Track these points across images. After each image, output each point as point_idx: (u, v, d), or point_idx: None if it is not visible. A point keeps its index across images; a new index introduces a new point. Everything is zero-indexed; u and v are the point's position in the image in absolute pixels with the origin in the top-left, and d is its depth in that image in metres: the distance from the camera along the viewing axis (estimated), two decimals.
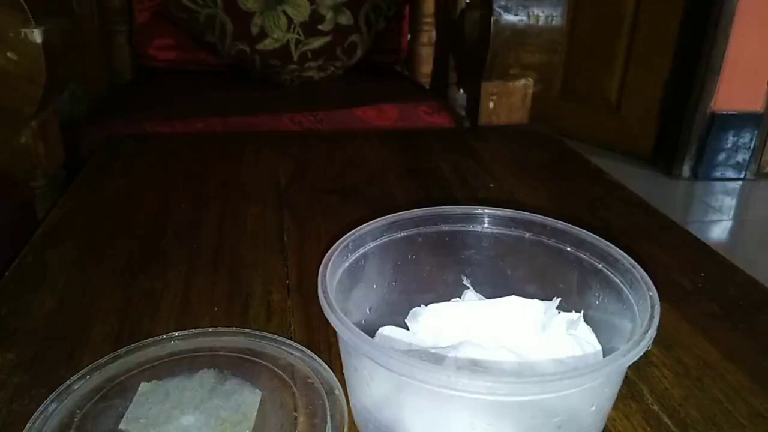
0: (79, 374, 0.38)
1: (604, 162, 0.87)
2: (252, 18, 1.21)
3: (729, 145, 2.15)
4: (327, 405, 0.36)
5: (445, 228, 0.43)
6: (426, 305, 0.42)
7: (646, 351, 0.29)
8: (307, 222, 0.63)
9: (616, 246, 0.38)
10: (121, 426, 0.35)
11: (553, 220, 0.41)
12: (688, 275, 0.54)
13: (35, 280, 0.52)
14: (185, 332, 0.43)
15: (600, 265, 0.38)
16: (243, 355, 0.41)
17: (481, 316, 0.40)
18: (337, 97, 1.17)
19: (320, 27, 1.23)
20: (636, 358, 0.29)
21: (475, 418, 0.30)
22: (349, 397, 0.37)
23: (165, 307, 0.48)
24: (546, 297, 0.40)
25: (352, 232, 0.39)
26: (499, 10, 0.94)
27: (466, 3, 1.10)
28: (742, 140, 2.15)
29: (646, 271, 0.35)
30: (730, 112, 2.10)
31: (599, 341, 0.38)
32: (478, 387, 0.27)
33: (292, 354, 0.41)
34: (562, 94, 2.47)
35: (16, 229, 0.74)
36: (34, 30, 0.72)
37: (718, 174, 2.19)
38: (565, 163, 0.86)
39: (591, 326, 0.39)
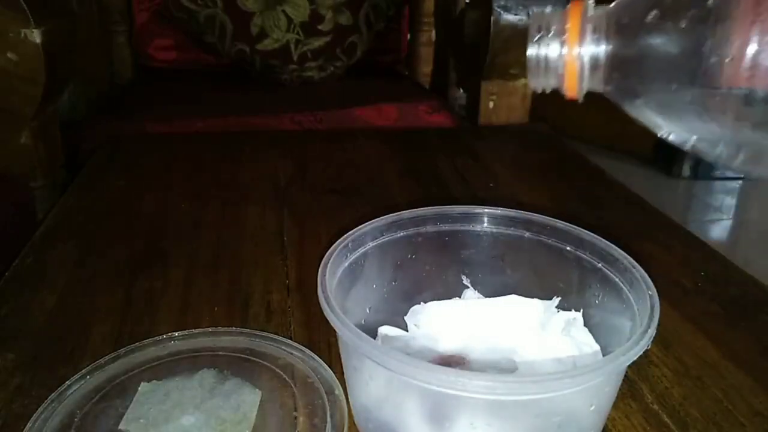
0: (79, 374, 0.38)
1: (604, 162, 0.87)
2: (252, 18, 1.21)
3: None
4: (327, 405, 0.36)
5: (445, 228, 0.43)
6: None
7: (646, 350, 0.29)
8: (307, 222, 0.63)
9: (616, 245, 0.38)
10: (121, 426, 0.35)
11: (553, 219, 0.41)
12: (688, 275, 0.54)
13: (35, 280, 0.52)
14: (185, 332, 0.43)
15: (600, 265, 0.38)
16: (243, 355, 0.41)
17: (480, 315, 0.40)
18: (337, 97, 1.17)
19: (320, 27, 1.24)
20: (635, 358, 0.29)
21: (475, 418, 0.30)
22: (349, 397, 0.37)
23: (165, 307, 0.48)
24: (546, 296, 0.40)
25: (351, 231, 0.39)
26: (498, 10, 0.94)
27: (466, 3, 1.10)
28: None
29: (646, 271, 0.35)
30: None
31: (598, 341, 0.38)
32: (477, 387, 0.27)
33: (291, 354, 0.41)
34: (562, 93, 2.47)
35: (16, 229, 0.74)
36: (34, 30, 0.72)
37: (718, 173, 2.19)
38: (565, 163, 0.86)
39: (590, 325, 0.39)
